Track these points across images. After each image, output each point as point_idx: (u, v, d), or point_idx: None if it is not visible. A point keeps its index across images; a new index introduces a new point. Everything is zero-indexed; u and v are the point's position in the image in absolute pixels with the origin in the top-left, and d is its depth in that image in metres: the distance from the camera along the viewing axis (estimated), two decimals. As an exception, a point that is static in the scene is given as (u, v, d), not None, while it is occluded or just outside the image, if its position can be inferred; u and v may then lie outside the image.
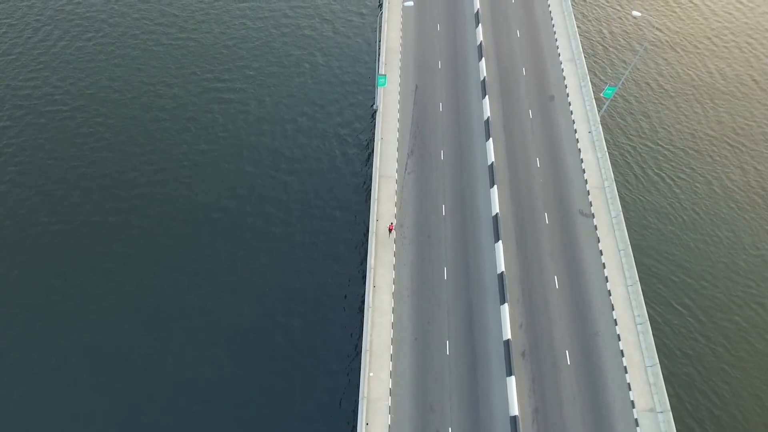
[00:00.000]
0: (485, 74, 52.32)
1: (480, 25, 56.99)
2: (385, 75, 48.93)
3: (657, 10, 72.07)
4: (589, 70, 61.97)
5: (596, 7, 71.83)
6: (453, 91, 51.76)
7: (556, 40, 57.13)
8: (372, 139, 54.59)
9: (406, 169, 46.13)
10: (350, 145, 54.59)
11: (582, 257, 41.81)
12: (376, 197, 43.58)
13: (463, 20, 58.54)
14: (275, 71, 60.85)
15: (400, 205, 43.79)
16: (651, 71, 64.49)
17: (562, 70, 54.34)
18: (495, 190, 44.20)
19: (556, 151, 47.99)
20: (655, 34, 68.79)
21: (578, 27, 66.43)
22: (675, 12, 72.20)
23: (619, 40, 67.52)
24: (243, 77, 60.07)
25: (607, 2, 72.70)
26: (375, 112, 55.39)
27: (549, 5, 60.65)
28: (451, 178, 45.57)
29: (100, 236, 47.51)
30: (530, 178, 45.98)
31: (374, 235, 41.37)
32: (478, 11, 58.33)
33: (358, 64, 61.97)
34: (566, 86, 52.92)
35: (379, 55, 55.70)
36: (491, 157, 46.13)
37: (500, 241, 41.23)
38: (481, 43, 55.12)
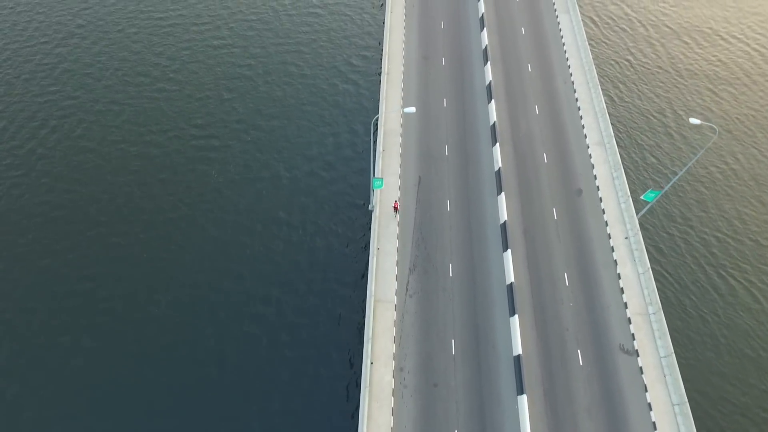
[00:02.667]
0: (500, 163, 44.73)
1: (493, 100, 49.65)
2: (382, 178, 41.38)
3: (718, 113, 64.79)
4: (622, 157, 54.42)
5: (635, 105, 64.67)
6: (463, 185, 44.11)
7: (581, 117, 49.63)
8: (366, 248, 46.77)
9: (407, 291, 38.21)
10: (341, 271, 46.90)
11: (626, 414, 33.53)
12: (371, 333, 35.59)
13: (473, 94, 51.21)
14: (265, 170, 53.62)
15: (399, 341, 35.78)
16: (705, 174, 56.85)
17: (590, 156, 46.70)
18: (516, 320, 36.15)
19: (587, 264, 40.00)
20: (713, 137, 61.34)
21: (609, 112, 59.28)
22: (743, 119, 64.89)
23: (661, 136, 60.12)
24: (233, 171, 52.85)
25: (653, 100, 65.58)
26: (371, 212, 47.85)
27: (571, 75, 53.37)
28: (462, 303, 37.56)
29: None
30: (557, 303, 37.91)
31: (368, 388, 33.27)
32: (490, 83, 51.06)
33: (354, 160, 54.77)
34: (595, 177, 45.20)
35: (374, 160, 48.14)
36: (510, 276, 38.19)
37: (524, 396, 33.06)
38: (494, 123, 47.68)
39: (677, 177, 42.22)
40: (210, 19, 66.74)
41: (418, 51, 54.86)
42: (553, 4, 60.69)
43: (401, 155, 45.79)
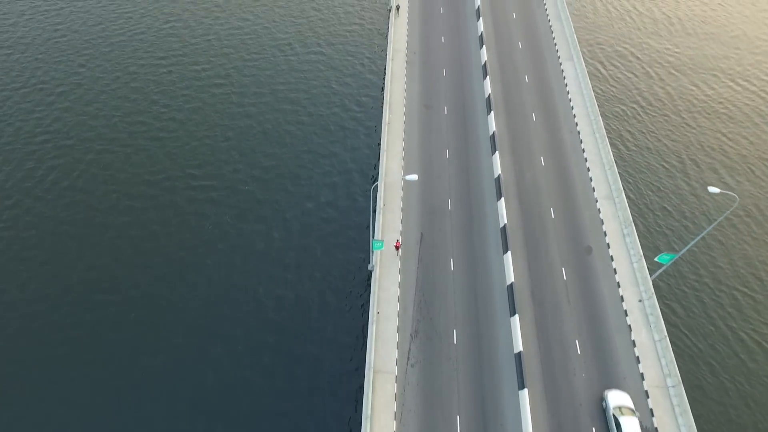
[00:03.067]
0: (505, 219, 42.98)
1: (497, 151, 48.28)
2: (382, 240, 39.61)
3: (741, 181, 63.58)
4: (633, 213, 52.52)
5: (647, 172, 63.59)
6: (467, 243, 42.26)
7: (589, 170, 48.13)
8: (366, 311, 44.65)
9: (408, 360, 35.91)
10: (338, 330, 44.76)
11: (648, 504, 30.72)
12: (370, 409, 33.13)
13: (476, 145, 49.87)
14: (262, 222, 52.09)
15: (401, 417, 33.29)
16: (726, 242, 55.12)
17: (599, 210, 44.96)
18: (525, 394, 33.72)
19: (599, 330, 37.73)
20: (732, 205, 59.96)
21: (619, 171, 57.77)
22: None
23: (673, 191, 58.67)
24: (229, 222, 51.26)
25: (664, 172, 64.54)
26: (370, 273, 45.92)
27: (577, 125, 52.15)
28: (467, 374, 35.19)
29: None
30: (569, 374, 35.51)
31: (365, 473, 30.68)
32: (494, 133, 49.79)
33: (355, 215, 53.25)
34: (605, 233, 43.34)
35: (374, 221, 46.58)
36: (518, 344, 35.92)
37: (536, 483, 30.41)
38: (499, 176, 46.16)
39: (694, 241, 40.38)
40: (211, 61, 66.32)
41: (420, 99, 53.91)
42: (557, 51, 60.09)
43: (402, 210, 44.13)
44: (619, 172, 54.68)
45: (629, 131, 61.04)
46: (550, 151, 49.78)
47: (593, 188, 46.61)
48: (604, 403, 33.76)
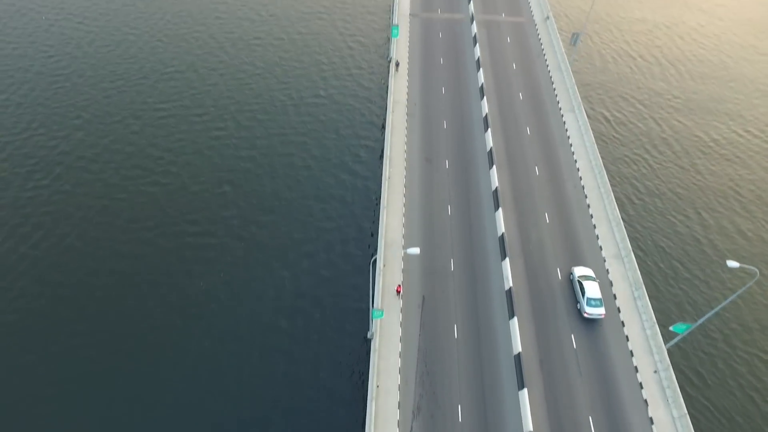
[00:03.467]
0: (510, 281, 41.20)
1: (500, 208, 46.94)
2: (382, 310, 37.75)
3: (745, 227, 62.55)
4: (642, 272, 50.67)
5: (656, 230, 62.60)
6: (471, 307, 40.34)
7: (595, 227, 46.67)
8: (364, 385, 42.28)
9: (410, 441, 33.51)
10: (334, 400, 42.37)
11: None
12: (368, 499, 30.57)
13: (478, 201, 48.55)
14: (259, 281, 50.34)
15: (402, 508, 30.67)
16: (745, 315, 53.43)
17: (608, 271, 43.24)
18: (537, 481, 31.23)
19: (614, 405, 35.41)
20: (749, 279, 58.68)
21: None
22: None
23: (688, 266, 57.32)
24: (224, 279, 49.41)
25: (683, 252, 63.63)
26: (370, 341, 43.82)
27: (581, 179, 51.04)
28: (473, 456, 32.77)
29: None
30: (584, 457, 33.08)
31: None
32: (496, 189, 48.57)
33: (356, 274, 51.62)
34: (615, 296, 41.49)
35: (373, 288, 44.90)
36: (528, 422, 33.55)
37: None
38: (503, 234, 44.64)
39: (712, 312, 38.53)
40: (211, 109, 65.74)
41: (421, 152, 52.96)
42: (558, 102, 59.66)
43: (403, 271, 42.39)
44: (626, 228, 53.11)
45: (636, 182, 59.89)
46: (554, 206, 48.44)
47: (600, 247, 45.03)
48: (570, 276, 42.46)
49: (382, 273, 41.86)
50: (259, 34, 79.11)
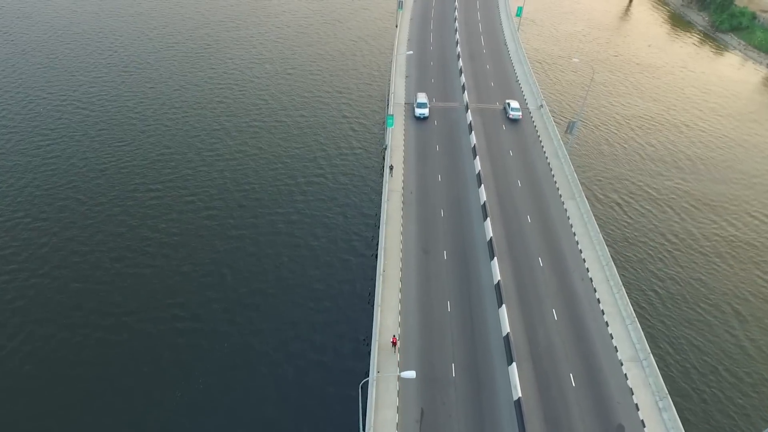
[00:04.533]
0: (519, 390, 36.98)
1: (504, 305, 43.58)
2: (375, 432, 33.52)
3: None
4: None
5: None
6: (476, 421, 35.77)
7: (607, 324, 43.06)
8: None
9: None
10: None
11: None
12: None
13: (480, 295, 45.12)
14: (238, 387, 46.22)
15: None
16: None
17: (626, 376, 39.05)
18: None
19: None
20: None
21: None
22: None
23: (709, 359, 53.76)
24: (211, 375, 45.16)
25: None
26: None
27: (588, 270, 48.18)
28: None
29: None
30: None
31: None
32: (499, 282, 45.49)
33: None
34: (637, 406, 37.00)
35: (364, 422, 41.08)
36: None
37: None
38: (507, 334, 40.97)
39: None
40: (202, 189, 64.25)
41: (418, 243, 50.50)
42: (557, 189, 58.22)
43: (399, 380, 38.23)
44: (642, 326, 49.28)
45: (649, 275, 56.86)
46: (561, 301, 45.10)
47: (615, 347, 41.14)
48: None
49: (375, 383, 37.67)
50: (259, 115, 79.95)
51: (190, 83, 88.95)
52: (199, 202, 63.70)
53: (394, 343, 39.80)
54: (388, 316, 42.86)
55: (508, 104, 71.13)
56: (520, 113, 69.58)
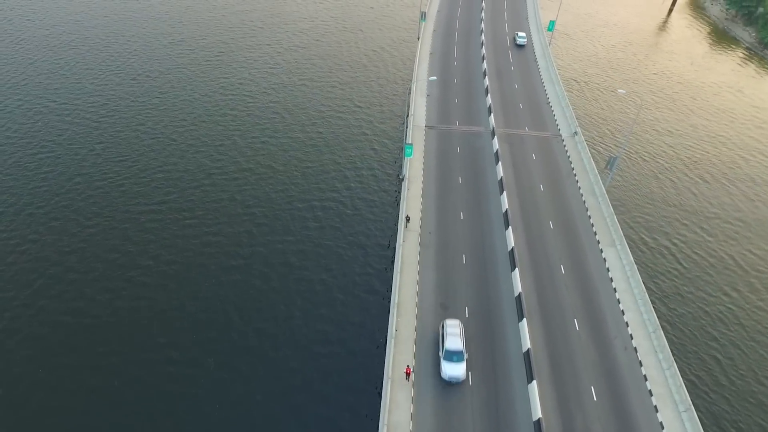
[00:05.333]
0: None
1: (534, 380, 37.49)
2: None
3: None
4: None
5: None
6: None
7: (656, 409, 36.58)
8: None
9: None
10: None
11: None
12: None
13: (506, 367, 38.86)
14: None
15: None
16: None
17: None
18: None
19: None
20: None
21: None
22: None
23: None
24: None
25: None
26: None
27: (631, 337, 41.79)
28: None
29: None
30: None
31: None
32: (528, 351, 39.43)
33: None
34: None
35: None
36: None
37: None
38: (539, 419, 34.88)
39: None
40: (202, 214, 59.40)
41: (436, 295, 44.64)
42: (595, 234, 51.81)
43: (410, 473, 32.56)
44: (700, 414, 42.53)
45: (706, 337, 50.00)
46: (601, 377, 38.83)
47: (650, 393, 34.85)
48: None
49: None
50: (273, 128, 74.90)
51: (200, 93, 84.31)
52: (203, 226, 58.82)
53: (408, 374, 37.07)
54: (398, 392, 37.11)
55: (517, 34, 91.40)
56: (525, 40, 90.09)
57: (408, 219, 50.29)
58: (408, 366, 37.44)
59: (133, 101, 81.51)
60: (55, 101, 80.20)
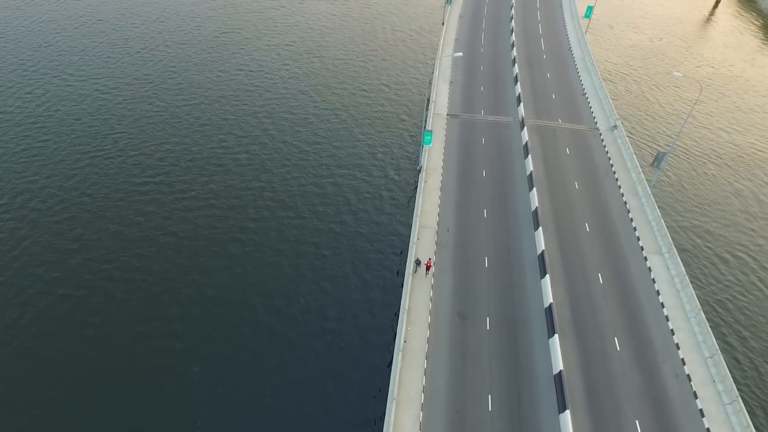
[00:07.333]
0: None
1: (568, 409, 31.57)
2: None
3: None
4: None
5: None
6: None
7: (702, 414, 30.48)
8: None
9: None
10: None
11: None
12: None
13: (533, 389, 32.90)
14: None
15: None
16: None
17: None
18: None
19: None
20: None
21: None
22: None
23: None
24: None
25: None
26: None
27: (683, 361, 35.35)
28: None
29: None
30: None
31: None
32: (560, 373, 33.38)
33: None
34: None
35: None
36: None
37: None
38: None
39: None
40: (208, 233, 54.76)
41: (453, 303, 38.89)
42: (638, 239, 45.27)
43: None
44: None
45: None
46: (648, 410, 32.58)
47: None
48: None
49: None
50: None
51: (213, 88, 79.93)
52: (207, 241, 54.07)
53: (428, 267, 39.41)
54: (405, 412, 31.51)
55: None
56: None
57: (418, 262, 42.05)
58: (429, 259, 40.06)
59: (181, 82, 77.51)
60: (109, 91, 76.70)
